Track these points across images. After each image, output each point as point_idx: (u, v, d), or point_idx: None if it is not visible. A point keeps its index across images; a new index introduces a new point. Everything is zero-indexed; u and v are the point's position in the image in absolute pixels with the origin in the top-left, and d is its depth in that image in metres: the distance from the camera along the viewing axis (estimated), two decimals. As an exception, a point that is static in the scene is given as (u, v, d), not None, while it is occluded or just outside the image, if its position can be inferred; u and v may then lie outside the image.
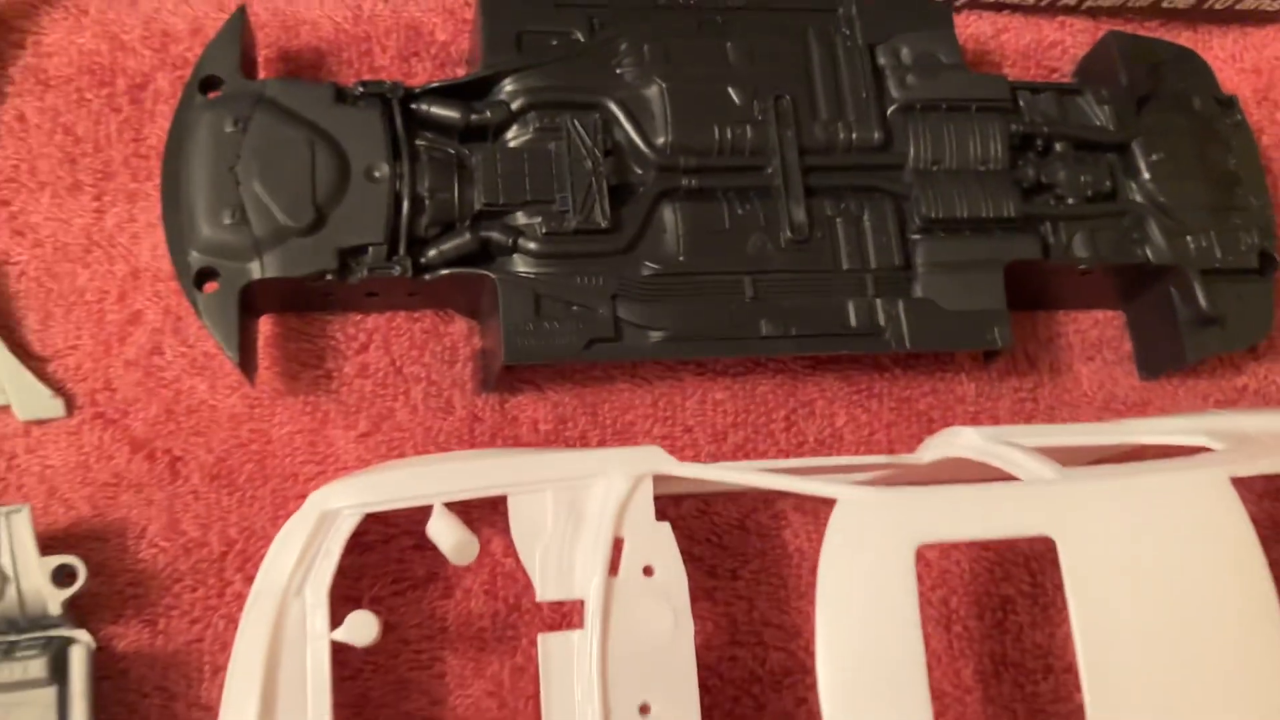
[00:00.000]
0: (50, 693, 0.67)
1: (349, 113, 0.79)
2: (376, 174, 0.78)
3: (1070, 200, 0.87)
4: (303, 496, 0.71)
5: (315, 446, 0.79)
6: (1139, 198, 0.89)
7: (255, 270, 0.75)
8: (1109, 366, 0.91)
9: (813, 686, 0.64)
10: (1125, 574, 0.65)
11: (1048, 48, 0.99)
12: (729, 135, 0.82)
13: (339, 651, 0.68)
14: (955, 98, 0.86)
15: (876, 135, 0.84)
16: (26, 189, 0.81)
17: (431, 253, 0.78)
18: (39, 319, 0.79)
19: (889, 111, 0.86)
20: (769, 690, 0.79)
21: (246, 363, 0.76)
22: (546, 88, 0.81)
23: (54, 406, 0.77)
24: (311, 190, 0.76)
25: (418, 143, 0.80)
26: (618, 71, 0.83)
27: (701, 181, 0.81)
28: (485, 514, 0.76)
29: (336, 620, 0.67)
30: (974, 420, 0.87)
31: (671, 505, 0.80)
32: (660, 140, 0.81)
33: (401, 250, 0.77)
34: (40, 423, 0.77)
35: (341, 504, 0.70)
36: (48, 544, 0.71)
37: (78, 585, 0.70)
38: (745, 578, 0.81)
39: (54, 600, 0.69)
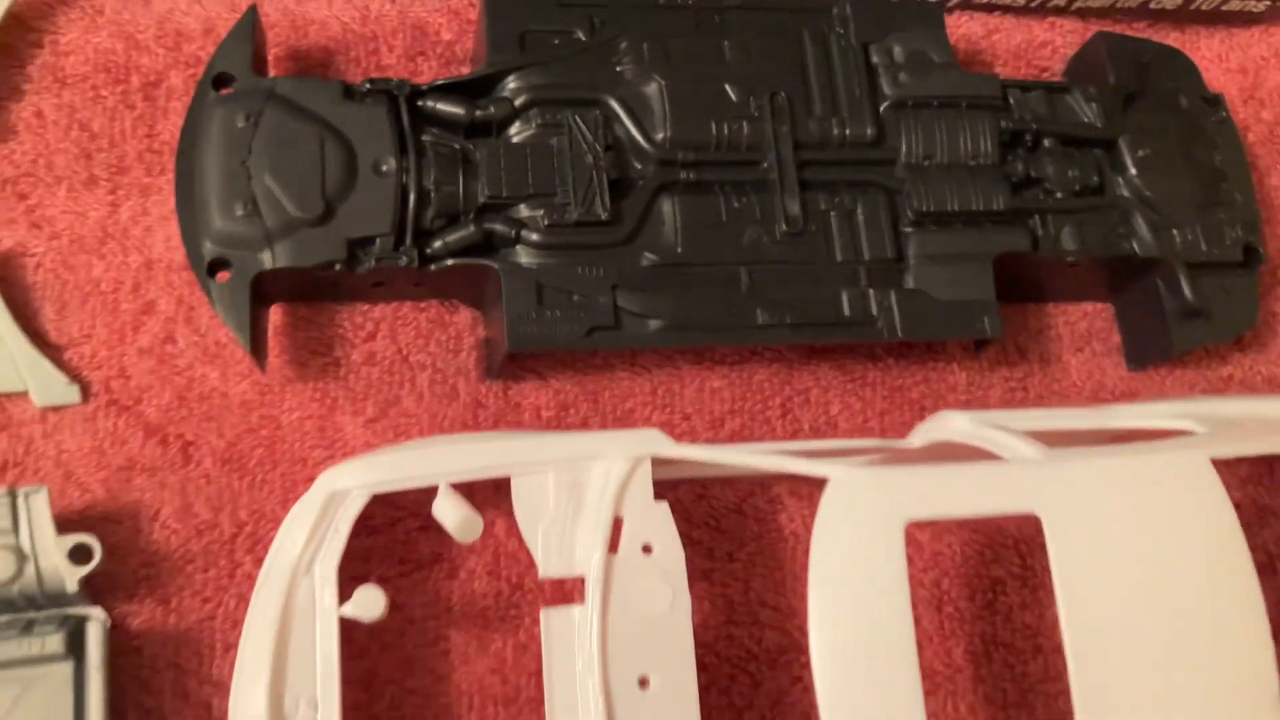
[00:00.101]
0: (67, 667, 0.69)
1: (357, 109, 0.81)
2: (384, 168, 0.80)
3: (1059, 194, 0.89)
4: (311, 480, 0.73)
5: (324, 432, 0.82)
6: (1126, 192, 0.91)
7: (267, 260, 0.77)
8: (1097, 358, 0.94)
9: (807, 665, 0.66)
10: (1108, 550, 0.67)
11: (1038, 48, 1.01)
12: (726, 131, 0.84)
13: (347, 630, 0.70)
14: (946, 95, 0.88)
15: (869, 131, 0.87)
16: (44, 183, 0.84)
17: (437, 244, 0.80)
18: (55, 309, 0.81)
19: (882, 108, 0.88)
20: (765, 668, 0.81)
21: (257, 350, 0.78)
22: (549, 85, 0.83)
23: (70, 393, 0.79)
24: (321, 183, 0.79)
25: (423, 138, 0.82)
26: (618, 69, 0.85)
27: (699, 175, 0.84)
28: (489, 497, 0.78)
29: (345, 598, 0.69)
30: (965, 408, 0.89)
31: (669, 491, 0.82)
32: (659, 136, 0.84)
33: (408, 241, 0.79)
34: (57, 409, 0.79)
35: (349, 484, 0.72)
36: (64, 526, 0.72)
37: (93, 563, 0.71)
38: (742, 560, 0.83)
39: (71, 578, 0.71)
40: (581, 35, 0.86)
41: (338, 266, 0.78)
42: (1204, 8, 1.02)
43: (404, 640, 0.78)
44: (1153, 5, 1.02)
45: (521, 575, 0.80)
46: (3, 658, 0.68)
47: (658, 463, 0.74)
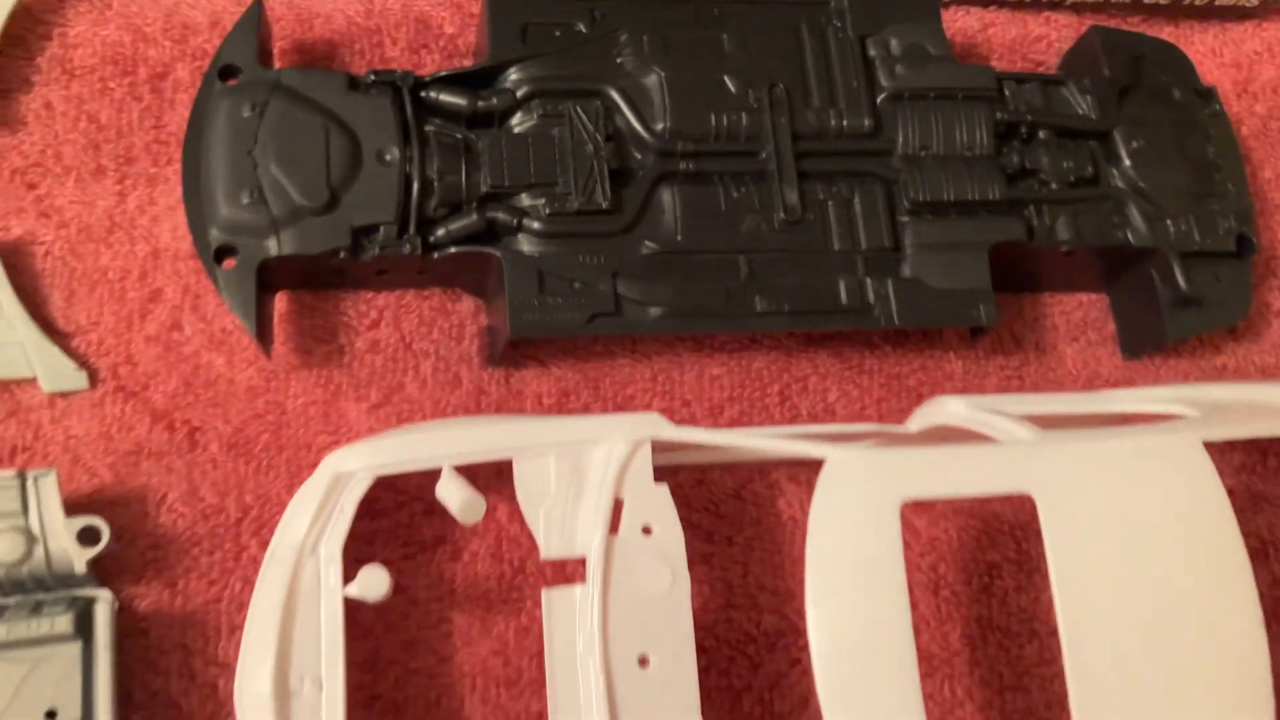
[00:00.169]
0: (75, 647, 0.70)
1: (361, 100, 0.82)
2: (387, 157, 0.81)
3: (1053, 185, 0.90)
4: (316, 465, 0.74)
5: (328, 418, 0.83)
6: (1120, 183, 0.92)
7: (272, 247, 0.78)
8: (1092, 347, 0.95)
9: (805, 648, 0.66)
10: (1102, 530, 0.68)
11: (1033, 42, 1.02)
12: (725, 122, 0.85)
13: (351, 612, 0.71)
14: (942, 87, 0.89)
15: (866, 122, 0.88)
16: (52, 174, 0.85)
17: (440, 232, 0.81)
18: (64, 297, 0.82)
19: (879, 100, 0.89)
20: (763, 650, 0.81)
21: (263, 336, 0.79)
22: (550, 76, 0.85)
23: (78, 379, 0.80)
24: (326, 172, 0.80)
25: (427, 128, 0.83)
26: (618, 61, 0.86)
27: (699, 166, 0.85)
28: (491, 481, 0.79)
29: (350, 580, 0.70)
30: (962, 396, 0.90)
31: (669, 476, 0.83)
32: (659, 126, 0.85)
33: (411, 229, 0.80)
34: (65, 395, 0.80)
35: (354, 466, 0.73)
36: (72, 509, 0.73)
37: (101, 545, 0.72)
38: (740, 544, 0.84)
39: (79, 560, 0.72)
40: (582, 28, 0.87)
41: (342, 254, 0.79)
42: (1198, 2, 1.03)
43: (408, 621, 0.79)
44: (1147, 0, 1.03)
45: (524, 558, 0.81)
46: (12, 637, 0.69)
47: (658, 448, 0.75)
